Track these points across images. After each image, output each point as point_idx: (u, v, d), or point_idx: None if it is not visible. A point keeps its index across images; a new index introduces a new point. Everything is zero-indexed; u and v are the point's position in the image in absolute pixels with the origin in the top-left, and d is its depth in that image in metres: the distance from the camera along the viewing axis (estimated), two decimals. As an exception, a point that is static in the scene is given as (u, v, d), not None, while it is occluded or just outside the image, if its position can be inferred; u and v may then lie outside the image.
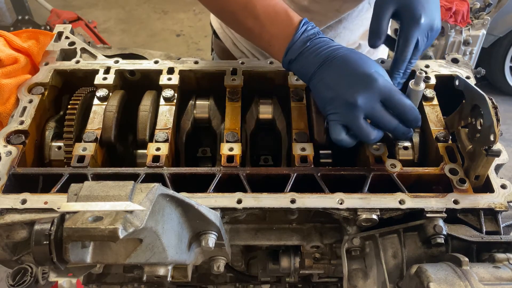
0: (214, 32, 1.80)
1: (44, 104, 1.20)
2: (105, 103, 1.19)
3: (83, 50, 1.32)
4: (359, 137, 1.03)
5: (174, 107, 1.21)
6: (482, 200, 1.00)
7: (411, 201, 0.99)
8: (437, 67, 1.25)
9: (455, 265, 0.83)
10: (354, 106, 0.99)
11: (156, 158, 1.08)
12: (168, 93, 1.22)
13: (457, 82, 1.16)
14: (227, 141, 1.12)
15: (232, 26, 1.27)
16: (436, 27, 1.11)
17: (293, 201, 0.98)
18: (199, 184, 1.03)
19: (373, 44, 1.14)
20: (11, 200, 0.97)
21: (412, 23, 1.08)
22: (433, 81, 1.23)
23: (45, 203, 0.97)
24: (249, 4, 1.10)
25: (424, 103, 1.20)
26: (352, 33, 1.58)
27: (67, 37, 1.35)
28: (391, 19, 1.14)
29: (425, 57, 1.37)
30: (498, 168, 1.06)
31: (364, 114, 1.00)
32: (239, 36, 1.66)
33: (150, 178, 1.05)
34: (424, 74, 1.07)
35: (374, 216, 0.96)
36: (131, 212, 0.68)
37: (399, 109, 1.02)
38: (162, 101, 1.21)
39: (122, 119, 1.19)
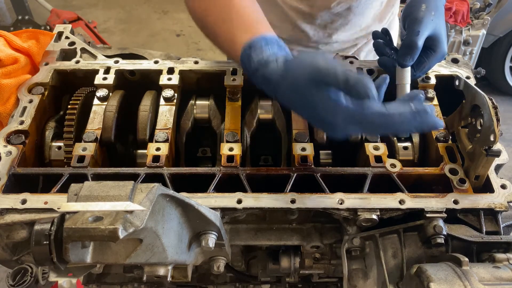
0: None
1: (44, 104, 1.20)
2: (105, 103, 1.19)
3: (83, 50, 1.32)
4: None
5: (174, 107, 1.20)
6: (482, 200, 1.00)
7: (411, 201, 0.98)
8: (437, 67, 1.25)
9: (455, 265, 0.83)
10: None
11: (156, 158, 1.08)
12: (168, 93, 1.22)
13: (457, 82, 1.16)
14: (227, 141, 1.12)
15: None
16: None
17: (293, 201, 0.98)
18: (199, 184, 1.03)
19: (404, 62, 1.10)
20: (11, 200, 0.97)
21: (438, 54, 1.13)
22: (433, 81, 1.23)
23: (45, 203, 0.97)
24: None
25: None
26: (364, 17, 1.57)
27: (67, 37, 1.35)
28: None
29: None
30: (498, 168, 1.06)
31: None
32: None
33: (150, 178, 1.05)
34: None
35: (374, 216, 0.96)
36: (131, 212, 0.68)
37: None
38: (162, 101, 1.21)
39: (122, 119, 1.19)
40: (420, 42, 1.08)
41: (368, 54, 1.73)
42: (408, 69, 1.14)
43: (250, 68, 0.96)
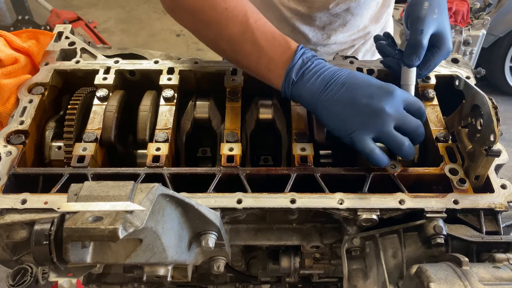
0: None
1: (44, 104, 1.20)
2: (105, 103, 1.19)
3: (83, 50, 1.32)
4: (392, 147, 1.00)
5: (174, 107, 1.20)
6: (482, 200, 1.00)
7: (411, 201, 0.98)
8: (437, 67, 1.25)
9: (455, 265, 0.83)
10: (383, 113, 0.96)
11: (156, 158, 1.08)
12: (168, 93, 1.22)
13: (457, 82, 1.16)
14: (227, 141, 1.12)
15: (229, 53, 1.16)
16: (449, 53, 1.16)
17: (293, 201, 0.98)
18: (199, 184, 1.03)
19: (410, 62, 1.09)
20: (11, 200, 0.97)
21: (443, 51, 1.12)
22: (433, 81, 1.23)
23: (45, 203, 0.97)
24: (247, 29, 1.07)
25: (424, 103, 1.20)
26: (362, 18, 1.56)
27: (67, 37, 1.35)
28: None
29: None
30: (498, 168, 1.06)
31: (394, 122, 0.98)
32: None
33: (150, 178, 1.05)
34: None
35: (374, 216, 0.96)
36: (131, 212, 0.68)
37: (419, 112, 1.04)
38: (162, 101, 1.21)
39: (122, 119, 1.19)
40: (425, 40, 1.07)
41: (366, 54, 1.73)
42: (414, 70, 1.13)
43: None
